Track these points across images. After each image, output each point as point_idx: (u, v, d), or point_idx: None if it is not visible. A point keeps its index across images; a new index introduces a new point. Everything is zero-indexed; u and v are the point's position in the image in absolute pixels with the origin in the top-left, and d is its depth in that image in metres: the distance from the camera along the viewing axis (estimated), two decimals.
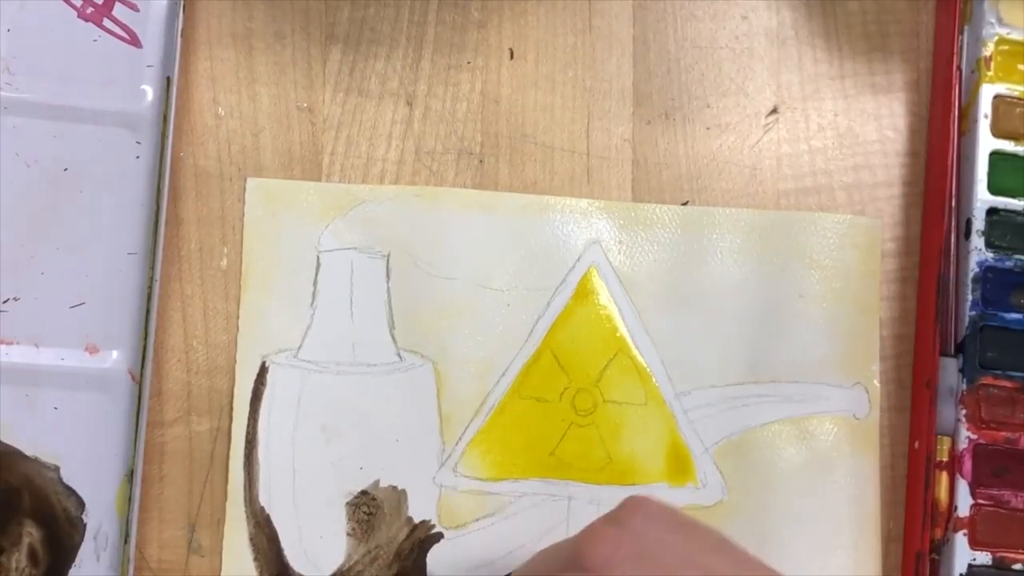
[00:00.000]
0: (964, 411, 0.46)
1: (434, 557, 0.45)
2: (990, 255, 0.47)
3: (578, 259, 0.47)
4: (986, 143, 0.48)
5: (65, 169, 0.44)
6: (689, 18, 0.49)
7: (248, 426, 0.45)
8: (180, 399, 0.45)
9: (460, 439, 0.46)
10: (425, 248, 0.46)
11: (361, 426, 0.45)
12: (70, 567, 0.42)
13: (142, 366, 0.43)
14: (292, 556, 0.44)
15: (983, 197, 0.47)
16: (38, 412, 0.43)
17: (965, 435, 0.46)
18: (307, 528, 0.44)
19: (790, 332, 0.48)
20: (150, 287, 0.44)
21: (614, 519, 0.36)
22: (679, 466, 0.46)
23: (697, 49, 0.49)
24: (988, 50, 0.48)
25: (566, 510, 0.46)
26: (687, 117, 0.49)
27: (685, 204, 0.48)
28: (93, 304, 0.43)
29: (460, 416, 0.46)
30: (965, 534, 0.46)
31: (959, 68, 0.48)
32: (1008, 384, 0.47)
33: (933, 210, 0.48)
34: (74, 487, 0.42)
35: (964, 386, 0.46)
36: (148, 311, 0.43)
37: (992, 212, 0.47)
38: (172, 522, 0.44)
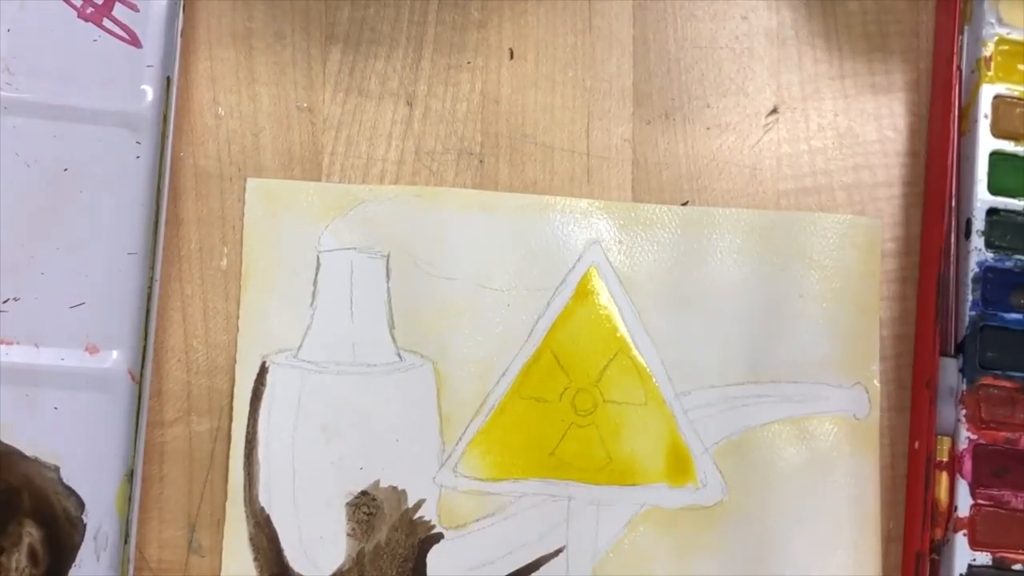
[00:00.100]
0: (964, 411, 0.46)
1: (434, 557, 0.45)
2: (990, 255, 0.47)
3: (578, 259, 0.47)
4: (986, 143, 0.48)
5: (65, 169, 0.44)
6: (689, 18, 0.49)
7: (248, 426, 0.45)
8: (180, 399, 0.45)
9: (460, 439, 0.46)
10: (425, 248, 0.46)
11: (361, 426, 0.45)
12: (70, 567, 0.42)
13: (142, 366, 0.43)
14: (292, 556, 0.44)
15: (983, 197, 0.47)
16: (38, 412, 0.43)
17: (965, 435, 0.46)
18: (307, 528, 0.45)
19: (790, 332, 0.48)
20: (150, 287, 0.44)
21: None
22: (679, 466, 0.46)
23: (697, 49, 0.49)
24: (988, 50, 0.48)
25: (566, 510, 0.46)
26: (687, 117, 0.49)
27: (685, 204, 0.48)
28: (93, 304, 0.43)
29: (460, 416, 0.46)
30: (965, 534, 0.46)
31: (959, 68, 0.48)
32: (1008, 384, 0.47)
33: (933, 210, 0.48)
34: (74, 487, 0.42)
35: (964, 386, 0.46)
36: (148, 311, 0.43)
37: (992, 212, 0.47)
38: (172, 522, 0.44)
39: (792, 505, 0.47)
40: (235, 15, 0.47)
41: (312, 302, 0.46)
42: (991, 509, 0.46)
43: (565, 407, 0.46)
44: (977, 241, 0.47)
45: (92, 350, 0.43)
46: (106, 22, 0.45)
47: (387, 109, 0.47)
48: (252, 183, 0.46)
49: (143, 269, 0.44)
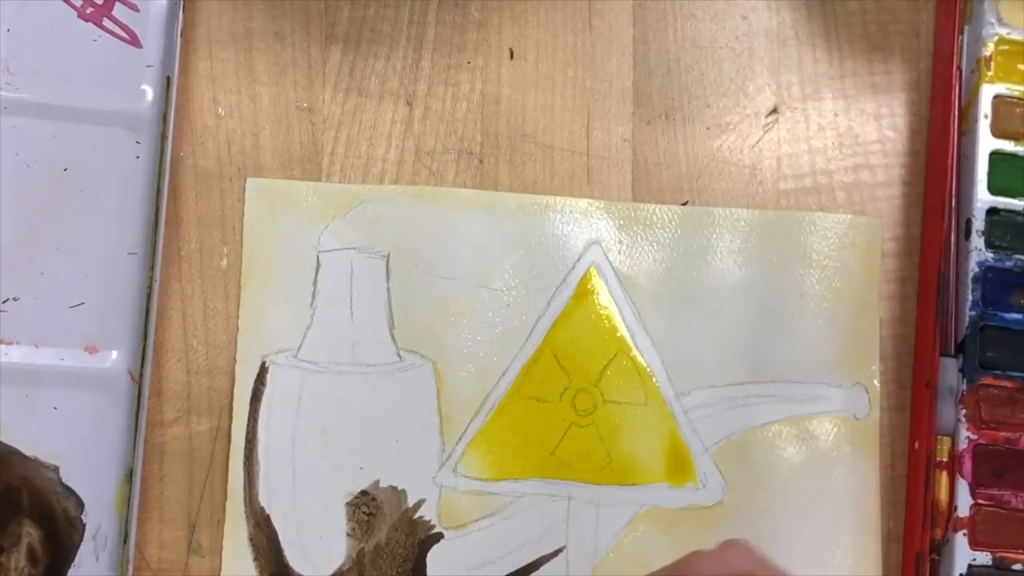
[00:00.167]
0: (964, 411, 0.46)
1: (434, 557, 0.45)
2: (990, 255, 0.47)
3: (578, 259, 0.47)
4: (986, 143, 0.48)
5: (65, 169, 0.44)
6: (689, 18, 0.49)
7: (248, 426, 0.45)
8: (180, 399, 0.45)
9: (460, 439, 0.46)
10: (425, 248, 0.46)
11: (361, 426, 0.45)
12: (69, 567, 0.42)
13: (142, 366, 0.43)
14: (292, 556, 0.44)
15: (983, 197, 0.47)
16: (38, 412, 0.43)
17: (965, 435, 0.46)
18: (307, 528, 0.44)
19: (790, 332, 0.48)
20: (150, 287, 0.44)
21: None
22: (679, 466, 0.46)
23: (697, 49, 0.49)
24: (988, 50, 0.48)
25: (566, 510, 0.46)
26: (687, 117, 0.49)
27: (685, 204, 0.48)
28: (93, 304, 0.43)
29: (460, 416, 0.46)
30: (965, 534, 0.46)
31: (959, 68, 0.48)
32: (1008, 384, 0.47)
33: (933, 210, 0.48)
34: (73, 487, 0.42)
35: (964, 386, 0.46)
36: (148, 311, 0.43)
37: (992, 212, 0.47)
38: (172, 522, 0.44)
39: (792, 505, 0.47)
40: (235, 15, 0.47)
41: (312, 302, 0.46)
42: (991, 509, 0.46)
43: (565, 407, 0.46)
44: (977, 241, 0.47)
45: (92, 350, 0.43)
46: (106, 22, 0.45)
47: (387, 109, 0.47)
48: (252, 183, 0.46)
49: (143, 269, 0.44)
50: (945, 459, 0.46)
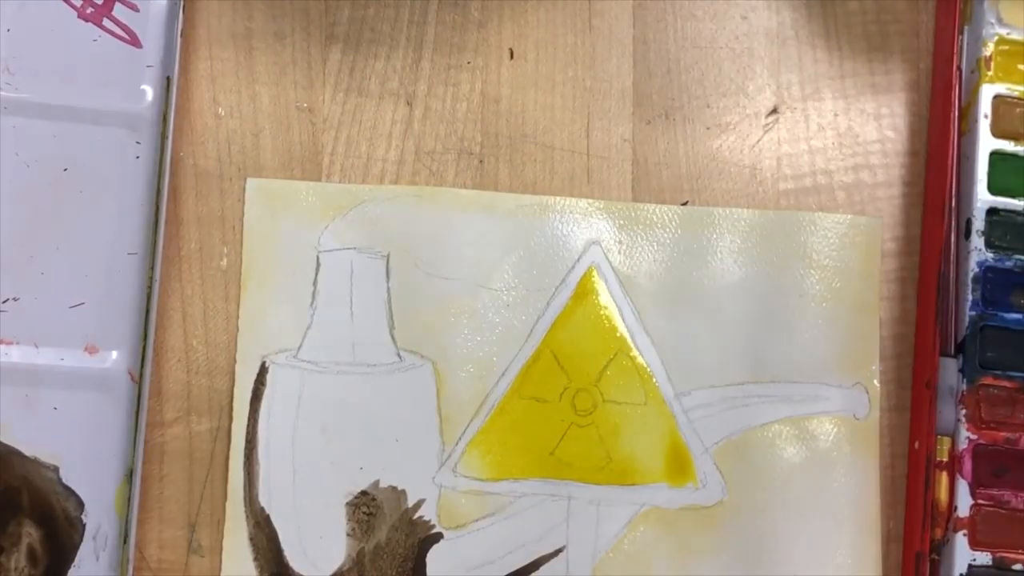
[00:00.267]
0: (964, 411, 0.46)
1: (434, 557, 0.45)
2: (990, 255, 0.47)
3: (578, 259, 0.47)
4: (986, 143, 0.48)
5: (65, 169, 0.44)
6: (689, 18, 0.49)
7: (248, 426, 0.45)
8: (180, 399, 0.45)
9: (460, 439, 0.46)
10: (425, 248, 0.46)
11: (361, 426, 0.45)
12: (69, 567, 0.42)
13: (142, 366, 0.43)
14: (292, 556, 0.44)
15: (983, 197, 0.47)
16: (38, 412, 0.43)
17: (965, 435, 0.46)
18: (307, 528, 0.45)
19: (790, 332, 0.48)
20: (150, 287, 0.44)
21: None
22: (679, 466, 0.46)
23: (697, 49, 0.49)
24: (988, 50, 0.48)
25: (566, 510, 0.46)
26: (687, 117, 0.49)
27: (685, 204, 0.48)
28: (93, 304, 0.43)
29: (460, 416, 0.46)
30: (965, 534, 0.46)
31: (959, 68, 0.48)
32: (1008, 384, 0.47)
33: (933, 210, 0.48)
34: (73, 487, 0.42)
35: (964, 386, 0.46)
36: (148, 311, 0.43)
37: (992, 212, 0.47)
38: (172, 522, 0.44)
39: (792, 505, 0.47)
40: (235, 15, 0.47)
41: (312, 302, 0.46)
42: (991, 509, 0.46)
43: (565, 407, 0.46)
44: (977, 241, 0.47)
45: (92, 350, 0.43)
46: (106, 22, 0.45)
47: (387, 109, 0.47)
48: (252, 183, 0.46)
49: (143, 269, 0.44)
50: (945, 459, 0.46)
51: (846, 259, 0.48)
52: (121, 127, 0.44)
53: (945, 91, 0.48)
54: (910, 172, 0.50)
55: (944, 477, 0.46)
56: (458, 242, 0.47)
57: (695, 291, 0.47)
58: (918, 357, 0.48)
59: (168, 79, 0.45)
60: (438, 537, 0.45)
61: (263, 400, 0.45)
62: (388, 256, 0.46)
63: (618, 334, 0.47)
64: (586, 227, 0.47)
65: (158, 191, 0.44)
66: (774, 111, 0.49)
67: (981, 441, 0.46)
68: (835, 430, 0.47)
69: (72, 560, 0.42)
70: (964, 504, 0.46)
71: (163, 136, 0.44)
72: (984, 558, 0.45)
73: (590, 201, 0.48)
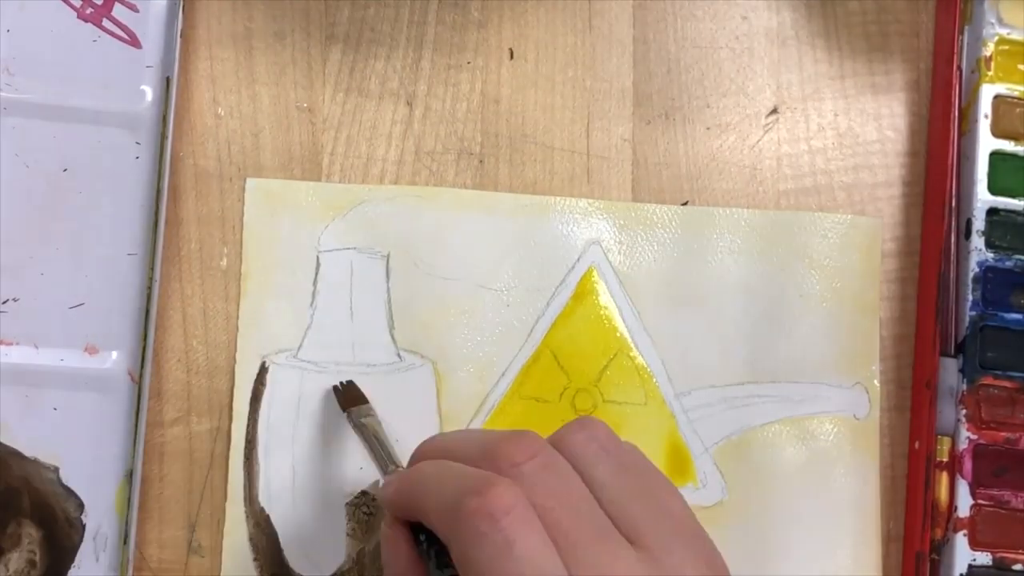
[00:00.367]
0: (964, 411, 0.46)
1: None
2: (990, 255, 0.47)
3: (578, 259, 0.47)
4: (986, 143, 0.48)
5: (65, 169, 0.44)
6: (689, 18, 0.49)
7: (248, 426, 0.45)
8: (180, 399, 0.45)
9: None
10: (425, 248, 0.46)
11: None
12: (69, 568, 0.42)
13: (142, 366, 0.43)
14: (292, 556, 0.44)
15: (983, 197, 0.47)
16: (38, 413, 0.43)
17: (965, 435, 0.46)
18: (307, 528, 0.44)
19: (790, 332, 0.48)
20: (150, 287, 0.44)
21: (558, 433, 0.35)
22: (679, 466, 0.46)
23: (697, 49, 0.49)
24: (988, 50, 0.48)
25: None
26: (687, 117, 0.49)
27: (685, 204, 0.48)
28: (93, 305, 0.43)
29: (460, 416, 0.46)
30: (965, 534, 0.46)
31: (959, 68, 0.48)
32: (1008, 384, 0.47)
33: (933, 210, 0.48)
34: (73, 488, 0.42)
35: (964, 386, 0.46)
36: (148, 311, 0.43)
37: (992, 212, 0.47)
38: (172, 522, 0.44)
39: (792, 505, 0.47)
40: (235, 15, 0.47)
41: (312, 302, 0.46)
42: (991, 509, 0.46)
43: (565, 407, 0.46)
44: (977, 241, 0.47)
45: (92, 351, 0.43)
46: (106, 22, 0.45)
47: (387, 109, 0.47)
48: (252, 183, 0.46)
49: (143, 269, 0.44)
50: (945, 459, 0.46)
51: (846, 259, 0.48)
52: (121, 127, 0.44)
53: (945, 91, 0.48)
54: (910, 172, 0.50)
55: (944, 477, 0.46)
56: (458, 242, 0.47)
57: (695, 291, 0.47)
58: (918, 357, 0.48)
59: (168, 79, 0.45)
60: None
61: (263, 400, 0.45)
62: (388, 256, 0.46)
63: (618, 334, 0.47)
64: (586, 227, 0.47)
65: (158, 191, 0.44)
66: (774, 111, 0.49)
67: (981, 441, 0.46)
68: (835, 430, 0.47)
69: (72, 561, 0.42)
70: (964, 504, 0.46)
71: (163, 136, 0.44)
72: (984, 558, 0.45)
73: (590, 201, 0.48)
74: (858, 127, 0.50)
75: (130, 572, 0.42)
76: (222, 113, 0.46)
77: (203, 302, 0.45)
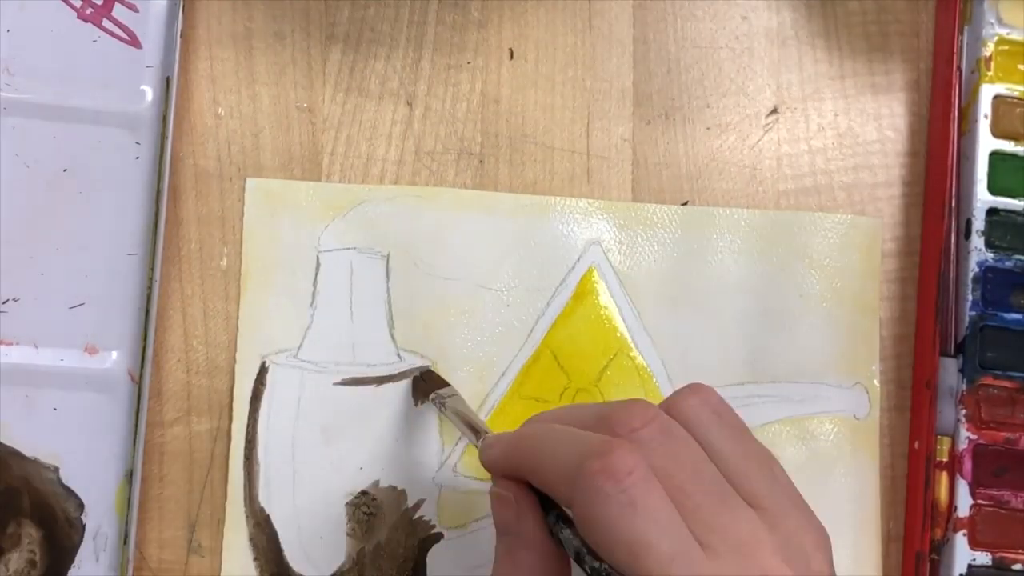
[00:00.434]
0: (964, 411, 0.46)
1: (434, 557, 0.45)
2: (990, 255, 0.47)
3: (578, 259, 0.47)
4: (986, 143, 0.48)
5: (65, 170, 0.44)
6: (689, 18, 0.49)
7: (248, 426, 0.45)
8: (180, 399, 0.45)
9: (459, 439, 0.46)
10: (425, 248, 0.46)
11: (361, 426, 0.45)
12: (69, 568, 0.42)
13: (142, 366, 0.43)
14: (292, 556, 0.44)
15: (983, 197, 0.47)
16: (38, 413, 0.43)
17: (965, 435, 0.46)
18: (307, 528, 0.44)
19: (790, 332, 0.48)
20: (150, 287, 0.44)
21: (670, 399, 0.36)
22: None
23: (697, 49, 0.49)
24: (988, 50, 0.48)
25: None
26: (687, 117, 0.49)
27: (685, 204, 0.48)
28: (93, 305, 0.43)
29: None
30: (965, 534, 0.46)
31: (959, 68, 0.48)
32: (1008, 384, 0.47)
33: (933, 210, 0.48)
34: (73, 488, 0.42)
35: (964, 386, 0.46)
36: (148, 311, 0.43)
37: (992, 212, 0.47)
38: (172, 522, 0.44)
39: None
40: (235, 15, 0.47)
41: (312, 302, 0.46)
42: (991, 509, 0.46)
43: None
44: (977, 241, 0.47)
45: (91, 351, 0.43)
46: (106, 22, 0.45)
47: (387, 109, 0.47)
48: (252, 183, 0.46)
49: (143, 269, 0.44)
50: (945, 459, 0.46)
51: (846, 259, 0.48)
52: (121, 127, 0.44)
53: (945, 91, 0.48)
54: (910, 172, 0.50)
55: (944, 477, 0.46)
56: (458, 242, 0.47)
57: (695, 291, 0.47)
58: (918, 357, 0.48)
59: (168, 79, 0.45)
60: (438, 537, 0.45)
61: (263, 400, 0.45)
62: (388, 256, 0.46)
63: (618, 334, 0.47)
64: (586, 227, 0.47)
65: (158, 191, 0.44)
66: (774, 111, 0.49)
67: (981, 441, 0.46)
68: (835, 430, 0.47)
69: (72, 561, 0.42)
70: (964, 504, 0.46)
71: (163, 136, 0.44)
72: (984, 558, 0.45)
73: (590, 201, 0.48)
74: (858, 127, 0.50)
75: (130, 572, 0.43)
76: (222, 113, 0.46)
77: (203, 302, 0.45)
